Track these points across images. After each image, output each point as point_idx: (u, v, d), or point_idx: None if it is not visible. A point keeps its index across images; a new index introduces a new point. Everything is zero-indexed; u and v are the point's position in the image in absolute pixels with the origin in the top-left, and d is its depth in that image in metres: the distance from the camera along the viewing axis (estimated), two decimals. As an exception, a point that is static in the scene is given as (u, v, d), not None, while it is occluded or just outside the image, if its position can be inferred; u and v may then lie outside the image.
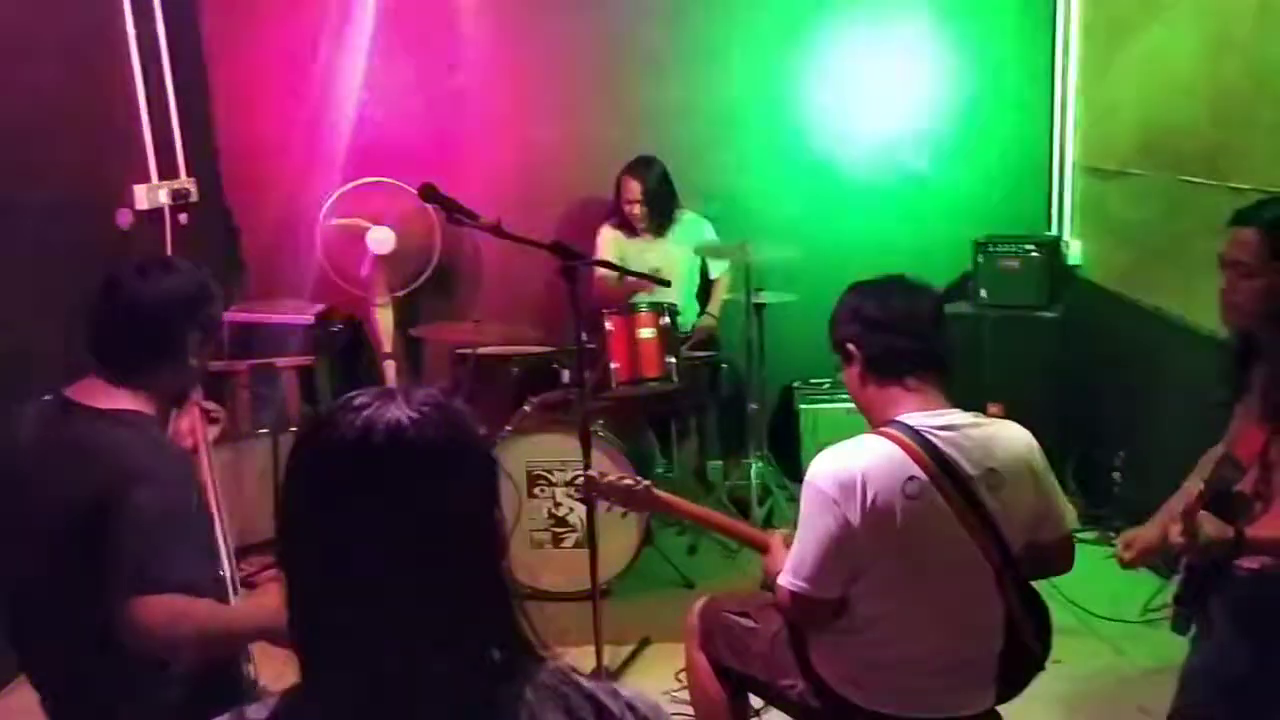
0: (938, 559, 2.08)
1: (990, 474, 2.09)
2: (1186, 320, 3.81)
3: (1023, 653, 2.23)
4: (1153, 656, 3.33)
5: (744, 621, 2.51)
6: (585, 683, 1.11)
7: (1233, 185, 3.46)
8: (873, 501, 2.02)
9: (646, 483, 2.71)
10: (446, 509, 1.04)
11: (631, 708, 1.11)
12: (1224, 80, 3.63)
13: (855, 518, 2.03)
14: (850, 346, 2.21)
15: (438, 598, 1.02)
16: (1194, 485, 2.21)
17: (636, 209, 4.66)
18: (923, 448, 2.06)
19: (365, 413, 1.03)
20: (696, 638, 2.61)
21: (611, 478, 2.76)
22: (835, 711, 2.26)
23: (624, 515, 2.98)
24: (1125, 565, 2.28)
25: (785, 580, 2.15)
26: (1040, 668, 2.30)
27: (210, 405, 2.42)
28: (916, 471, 2.04)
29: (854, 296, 2.25)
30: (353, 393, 1.08)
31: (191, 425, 2.35)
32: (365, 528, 1.01)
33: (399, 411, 1.04)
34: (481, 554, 1.07)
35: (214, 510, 2.23)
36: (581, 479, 2.88)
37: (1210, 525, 2.02)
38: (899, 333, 2.16)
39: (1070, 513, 2.26)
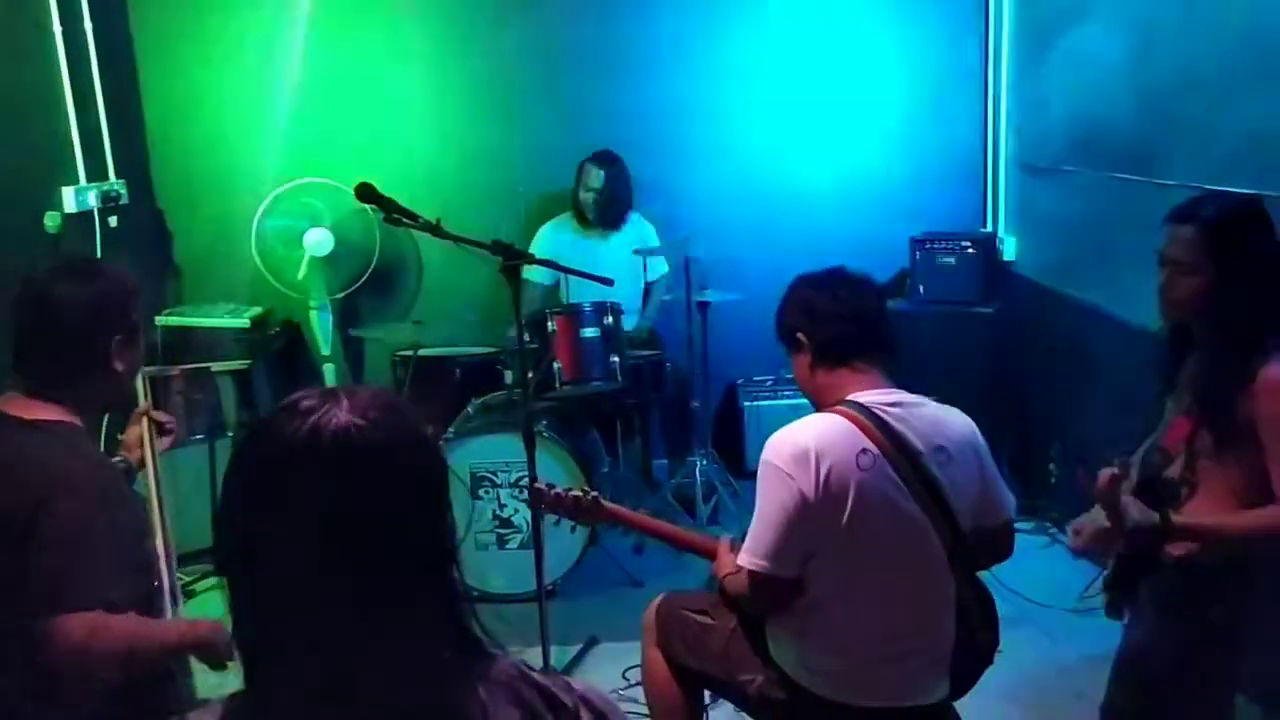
0: (891, 530, 2.11)
1: (939, 450, 2.14)
2: (1117, 314, 3.89)
3: (973, 642, 2.27)
4: (1089, 644, 3.38)
5: (701, 619, 2.51)
6: (539, 678, 1.10)
7: (1159, 182, 3.54)
8: (827, 474, 2.06)
9: (594, 494, 2.73)
10: (395, 512, 1.02)
11: (585, 701, 1.11)
12: (1150, 78, 3.71)
13: (810, 491, 2.07)
14: (800, 336, 2.28)
15: (386, 601, 1.01)
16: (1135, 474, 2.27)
17: (592, 197, 4.66)
18: (873, 423, 2.11)
19: (312, 418, 1.01)
20: (653, 635, 2.61)
21: (559, 489, 2.75)
22: (795, 703, 2.28)
23: (573, 530, 2.97)
24: (1075, 552, 2.33)
25: (745, 559, 2.18)
26: (989, 660, 2.34)
27: (162, 416, 2.35)
28: (868, 445, 2.09)
29: (800, 288, 2.33)
30: (297, 394, 1.06)
31: (140, 436, 2.29)
32: (312, 533, 0.99)
33: (346, 415, 1.02)
34: (431, 556, 1.06)
35: (158, 521, 2.18)
36: (532, 478, 2.88)
37: (1136, 510, 2.06)
38: (846, 320, 2.23)
39: (1010, 499, 2.31)
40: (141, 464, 2.27)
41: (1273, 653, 2.33)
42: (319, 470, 1.00)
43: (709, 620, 2.50)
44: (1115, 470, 2.08)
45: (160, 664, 2.01)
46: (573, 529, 2.94)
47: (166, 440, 2.34)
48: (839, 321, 2.23)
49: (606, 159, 4.70)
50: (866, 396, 2.17)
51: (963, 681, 2.32)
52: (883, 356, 2.26)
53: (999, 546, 2.34)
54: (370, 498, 1.01)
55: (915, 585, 2.18)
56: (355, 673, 1.01)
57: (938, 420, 2.19)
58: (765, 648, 2.34)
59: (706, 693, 2.65)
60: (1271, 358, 2.04)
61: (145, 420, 2.29)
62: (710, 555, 2.50)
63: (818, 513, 2.08)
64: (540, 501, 2.78)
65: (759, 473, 2.17)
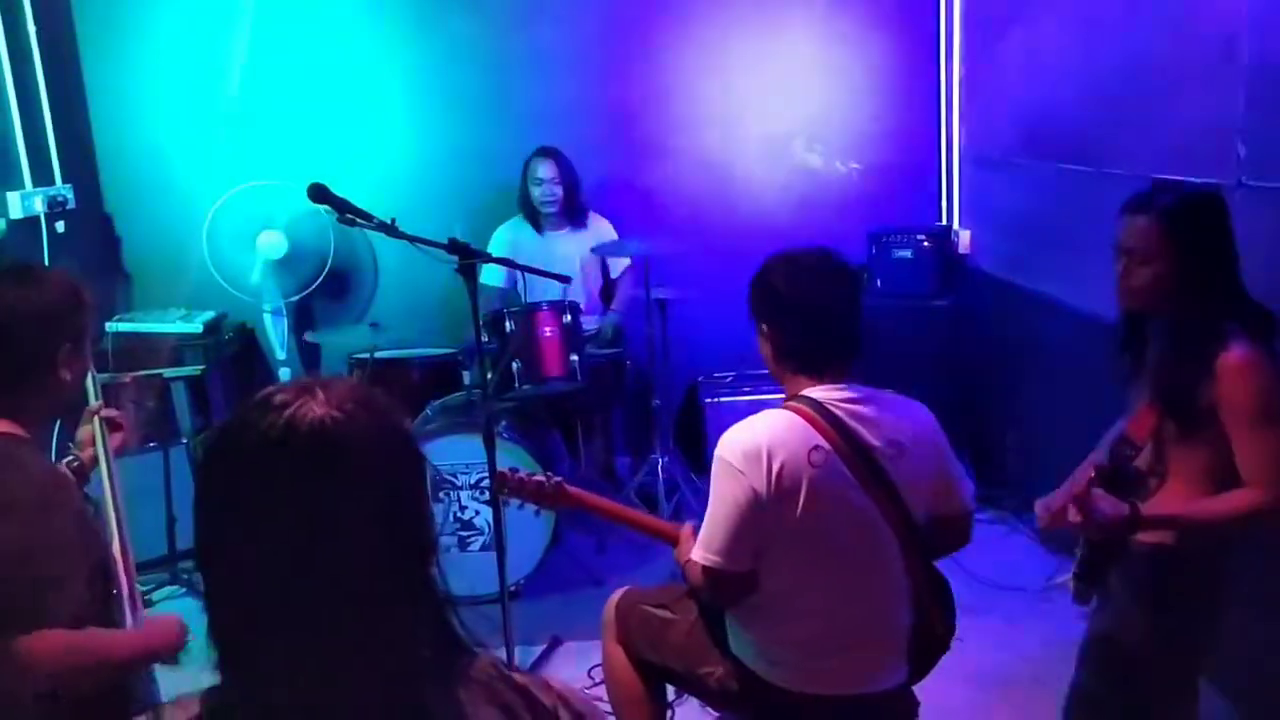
0: (843, 525, 2.13)
1: (893, 444, 2.15)
2: (1070, 303, 3.94)
3: (929, 629, 2.29)
4: (1049, 630, 3.43)
5: (661, 613, 2.52)
6: (519, 677, 1.10)
7: (1108, 171, 3.59)
8: (779, 471, 2.08)
9: (558, 479, 2.72)
10: (373, 506, 1.01)
11: (564, 700, 1.10)
12: (1097, 70, 3.76)
13: (762, 487, 2.08)
14: (765, 327, 2.26)
15: (365, 597, 1.00)
16: (1099, 459, 2.30)
17: (549, 191, 4.63)
18: (826, 419, 2.12)
19: (286, 412, 1.00)
20: (613, 631, 2.61)
21: (522, 474, 2.76)
22: (754, 694, 2.29)
23: (537, 513, 2.97)
24: (1045, 529, 2.36)
25: (698, 555, 2.18)
26: (945, 647, 2.36)
27: (113, 412, 2.30)
28: (820, 441, 2.10)
29: (774, 272, 2.25)
30: (270, 389, 1.05)
31: (91, 435, 2.24)
32: (288, 529, 0.98)
33: (321, 408, 1.01)
34: (410, 551, 1.05)
35: (114, 524, 2.14)
36: (492, 479, 2.88)
37: (1106, 503, 2.09)
38: (812, 325, 2.20)
39: (969, 491, 2.33)
40: (94, 462, 2.22)
41: (1238, 640, 2.38)
42: (295, 465, 0.99)
43: (669, 614, 2.51)
44: (1092, 475, 2.12)
45: (127, 674, 1.99)
46: (537, 512, 2.93)
47: (118, 438, 2.29)
48: (804, 328, 2.20)
49: (548, 151, 4.67)
50: (822, 392, 2.17)
51: (920, 667, 2.34)
52: (846, 356, 2.23)
53: (958, 536, 2.36)
54: (348, 492, 1.00)
55: (868, 577, 2.20)
56: (332, 670, 0.99)
57: (895, 414, 2.20)
58: (724, 640, 2.35)
59: (671, 689, 2.66)
60: (1229, 343, 2.08)
61: (96, 420, 2.24)
62: (673, 540, 2.50)
63: (770, 508, 2.09)
64: (504, 486, 2.76)
65: (713, 469, 2.17)
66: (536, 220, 4.74)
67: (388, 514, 1.02)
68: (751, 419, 2.17)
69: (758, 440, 2.11)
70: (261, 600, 0.99)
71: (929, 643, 2.32)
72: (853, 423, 2.13)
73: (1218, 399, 2.07)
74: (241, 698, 1.02)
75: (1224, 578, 2.22)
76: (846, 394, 2.17)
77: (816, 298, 2.20)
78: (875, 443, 2.14)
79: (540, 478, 2.73)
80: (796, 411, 2.14)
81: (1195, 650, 2.26)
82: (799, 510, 2.09)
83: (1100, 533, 2.15)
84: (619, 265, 4.90)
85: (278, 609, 0.99)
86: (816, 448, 2.10)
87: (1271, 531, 2.11)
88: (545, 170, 4.64)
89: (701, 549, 2.18)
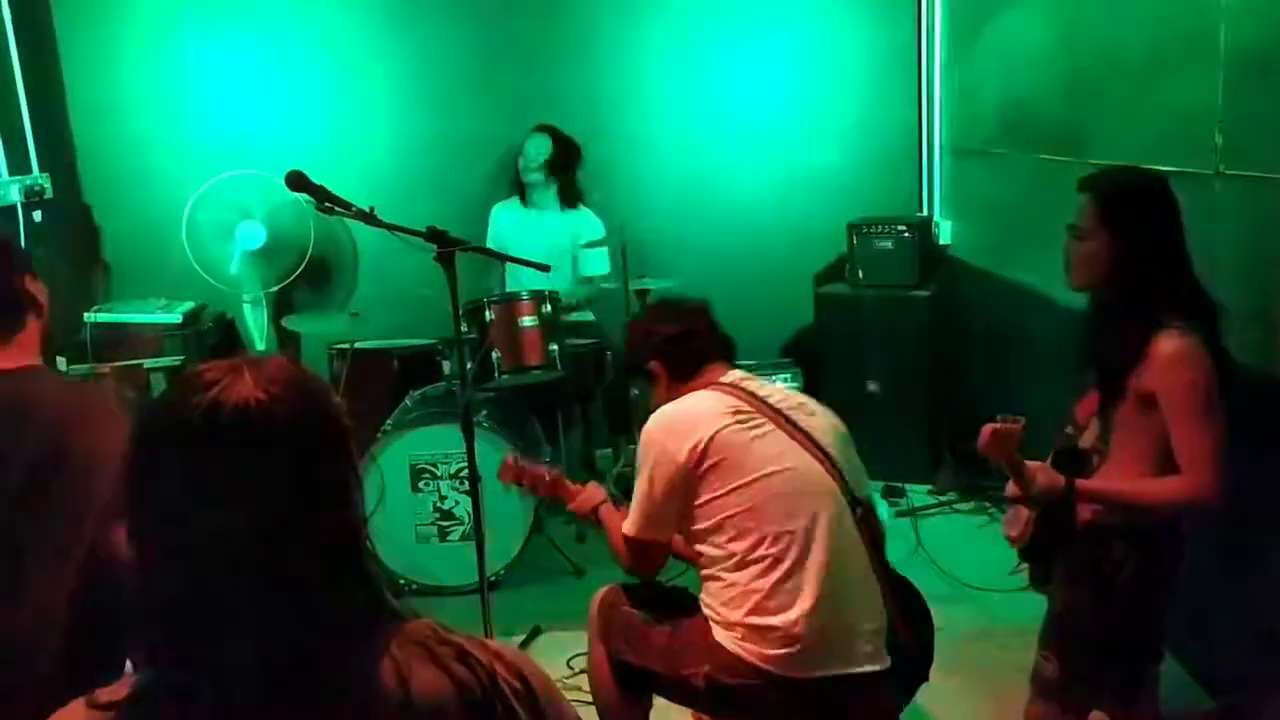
0: (778, 473, 2.31)
1: (801, 406, 2.46)
2: (1049, 293, 3.95)
3: (907, 619, 2.33)
4: (1027, 619, 3.42)
5: (643, 615, 2.53)
6: (453, 636, 1.10)
7: (1088, 162, 3.59)
8: (704, 438, 2.31)
9: (557, 470, 2.92)
10: (297, 487, 1.03)
11: (499, 656, 1.11)
12: (1076, 60, 3.77)
13: (684, 455, 2.31)
14: (653, 365, 2.56)
15: (291, 574, 1.02)
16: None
17: (530, 162, 4.73)
18: (739, 391, 2.43)
19: (212, 391, 1.01)
20: (596, 627, 2.62)
21: (525, 463, 2.95)
22: (746, 687, 2.31)
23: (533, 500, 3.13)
24: (1011, 542, 2.41)
25: (628, 527, 2.44)
26: (922, 650, 2.45)
27: None
28: (739, 405, 2.38)
29: (638, 327, 2.68)
30: (202, 366, 1.06)
31: None
32: (213, 506, 1.00)
33: (248, 389, 1.02)
34: (337, 529, 1.06)
35: None
36: (471, 469, 2.97)
37: (1043, 475, 2.19)
38: (691, 335, 2.55)
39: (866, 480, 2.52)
40: None
41: (1186, 613, 2.40)
42: (218, 445, 1.01)
43: (650, 616, 2.52)
44: (999, 425, 2.15)
45: None
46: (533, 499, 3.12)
47: None
48: (683, 338, 2.53)
49: (542, 127, 4.79)
50: (727, 378, 2.49)
51: (905, 675, 2.41)
52: (728, 357, 2.57)
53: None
54: (269, 472, 1.01)
55: (820, 527, 2.29)
56: (262, 644, 1.01)
57: (797, 394, 2.57)
58: (710, 635, 2.35)
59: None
60: (1163, 330, 2.11)
61: None
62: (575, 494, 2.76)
63: (697, 473, 2.31)
64: (508, 473, 2.90)
65: (640, 445, 2.42)
66: (523, 194, 4.85)
67: (310, 495, 1.03)
68: (675, 400, 2.45)
69: (682, 412, 2.40)
70: (185, 574, 1.01)
71: (908, 640, 2.37)
72: (762, 391, 2.45)
73: (1153, 386, 2.10)
74: (168, 672, 1.03)
75: (1156, 553, 2.25)
76: (741, 374, 2.51)
77: (680, 317, 2.58)
78: (784, 407, 2.41)
79: (542, 468, 2.90)
80: (712, 389, 2.45)
81: (1136, 626, 2.30)
82: (732, 467, 2.30)
83: (1037, 503, 2.24)
84: (596, 267, 4.87)
85: (201, 583, 1.00)
86: (735, 410, 2.36)
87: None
88: (532, 145, 4.76)
89: (632, 522, 2.42)
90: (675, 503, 2.36)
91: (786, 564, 2.26)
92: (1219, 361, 2.15)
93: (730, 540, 2.30)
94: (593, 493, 2.77)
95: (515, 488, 2.99)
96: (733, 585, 2.29)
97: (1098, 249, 2.22)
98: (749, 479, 2.30)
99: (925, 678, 2.49)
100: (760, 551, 2.28)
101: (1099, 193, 2.24)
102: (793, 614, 2.24)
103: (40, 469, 1.89)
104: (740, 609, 2.29)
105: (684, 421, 2.37)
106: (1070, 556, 2.29)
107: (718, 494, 2.31)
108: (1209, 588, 2.64)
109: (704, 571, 2.40)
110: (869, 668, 2.30)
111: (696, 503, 2.34)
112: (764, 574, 2.27)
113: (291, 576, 1.02)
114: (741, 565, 2.29)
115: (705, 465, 2.31)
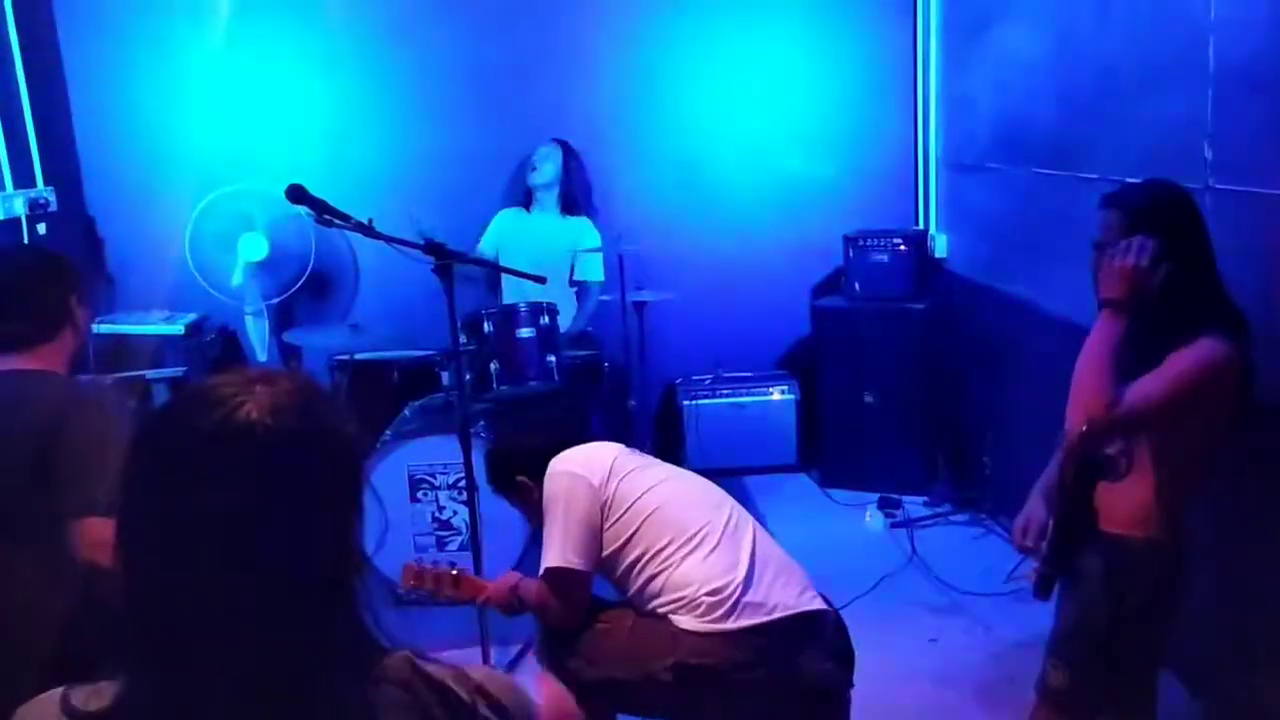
0: (677, 475, 2.68)
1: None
2: (1045, 307, 3.98)
3: None
4: (1021, 630, 3.46)
5: (594, 627, 2.55)
6: (434, 671, 1.06)
7: (1082, 176, 3.63)
8: (606, 460, 2.59)
9: (458, 569, 2.84)
10: (295, 516, 1.00)
11: (481, 691, 1.07)
12: (1070, 75, 3.80)
13: (595, 477, 2.54)
14: (522, 479, 2.67)
15: (278, 606, 0.98)
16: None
17: (536, 172, 4.79)
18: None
19: (221, 410, 0.99)
20: (546, 662, 2.63)
21: (426, 565, 2.86)
22: (716, 665, 2.37)
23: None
24: (1023, 551, 2.43)
25: (550, 560, 2.49)
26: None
27: None
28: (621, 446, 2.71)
29: (502, 446, 2.87)
30: (217, 379, 1.04)
31: None
32: (206, 529, 0.97)
33: (257, 411, 0.99)
34: (332, 563, 1.03)
35: None
36: (468, 479, 3.10)
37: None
38: (544, 439, 2.74)
39: None
40: None
41: (1194, 631, 2.41)
42: (220, 468, 0.98)
43: (602, 625, 2.54)
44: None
45: None
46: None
47: None
48: (546, 447, 2.68)
49: (558, 141, 4.85)
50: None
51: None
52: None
53: None
54: (269, 499, 0.98)
55: (736, 510, 2.61)
56: (239, 671, 0.97)
57: None
58: (671, 625, 2.41)
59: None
60: (1204, 335, 2.11)
61: None
62: (488, 589, 2.75)
63: (611, 497, 2.51)
64: (409, 579, 2.83)
65: (547, 488, 2.57)
66: (528, 202, 4.91)
67: (308, 523, 1.00)
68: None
69: (585, 450, 2.65)
70: (175, 592, 0.98)
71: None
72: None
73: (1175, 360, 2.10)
74: (150, 691, 0.99)
75: (1172, 570, 2.26)
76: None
77: (543, 421, 3.02)
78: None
79: (444, 568, 2.83)
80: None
81: (1147, 641, 2.30)
82: (637, 478, 2.56)
83: (1080, 449, 2.18)
84: (591, 274, 4.90)
85: (185, 607, 0.97)
86: (621, 448, 2.69)
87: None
88: (540, 156, 4.82)
89: (554, 556, 2.49)
90: (594, 522, 2.51)
91: (715, 536, 2.48)
92: (1246, 376, 2.14)
93: (658, 537, 2.48)
94: (505, 578, 2.78)
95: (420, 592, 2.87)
96: (675, 571, 2.44)
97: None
98: (657, 481, 2.59)
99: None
100: (689, 534, 2.48)
101: (1127, 207, 2.21)
102: (739, 568, 2.44)
103: (38, 452, 1.97)
104: (692, 585, 2.41)
105: (584, 455, 2.64)
106: (1083, 570, 2.28)
107: (633, 501, 2.52)
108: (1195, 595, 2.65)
109: (641, 585, 2.49)
110: (817, 606, 2.46)
111: (618, 514, 2.52)
112: (697, 549, 2.46)
113: (277, 610, 0.98)
114: (676, 553, 2.46)
115: (615, 483, 2.55)
